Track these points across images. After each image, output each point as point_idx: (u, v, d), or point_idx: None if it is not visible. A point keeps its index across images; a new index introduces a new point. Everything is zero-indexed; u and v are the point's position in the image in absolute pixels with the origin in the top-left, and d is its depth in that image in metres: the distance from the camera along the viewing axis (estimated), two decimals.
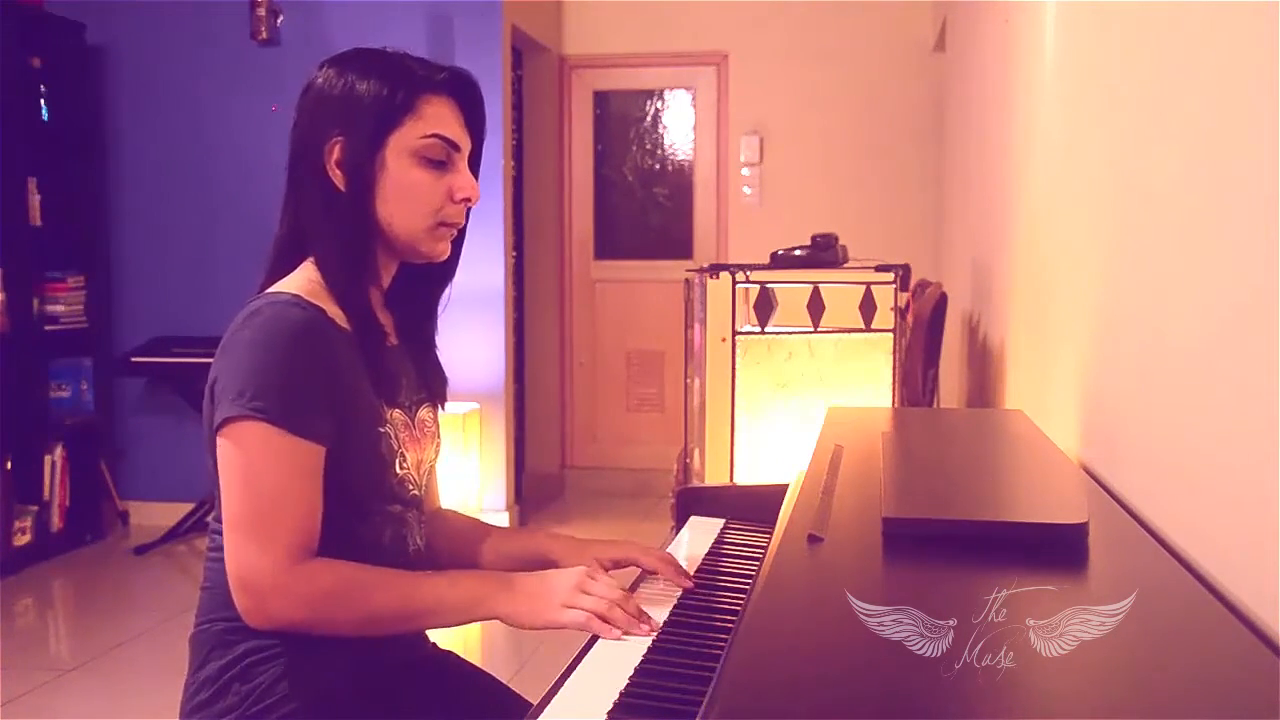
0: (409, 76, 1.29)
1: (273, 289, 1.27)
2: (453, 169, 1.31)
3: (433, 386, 1.42)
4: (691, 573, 1.36)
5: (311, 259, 1.30)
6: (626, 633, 1.13)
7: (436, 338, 1.46)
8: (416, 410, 1.37)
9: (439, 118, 1.30)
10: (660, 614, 1.20)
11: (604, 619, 1.15)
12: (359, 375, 1.26)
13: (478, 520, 1.54)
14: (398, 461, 1.30)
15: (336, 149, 1.28)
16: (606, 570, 1.36)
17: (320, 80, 1.30)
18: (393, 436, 1.30)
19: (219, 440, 1.20)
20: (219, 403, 1.20)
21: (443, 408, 1.45)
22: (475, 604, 1.22)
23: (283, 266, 1.32)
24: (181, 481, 4.53)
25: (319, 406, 1.21)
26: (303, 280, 1.28)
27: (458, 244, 1.37)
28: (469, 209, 1.35)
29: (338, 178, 1.28)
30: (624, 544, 1.38)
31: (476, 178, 1.36)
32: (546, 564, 1.41)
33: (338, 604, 1.20)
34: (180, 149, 4.68)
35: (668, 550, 1.48)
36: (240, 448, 1.19)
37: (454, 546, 1.47)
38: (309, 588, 1.18)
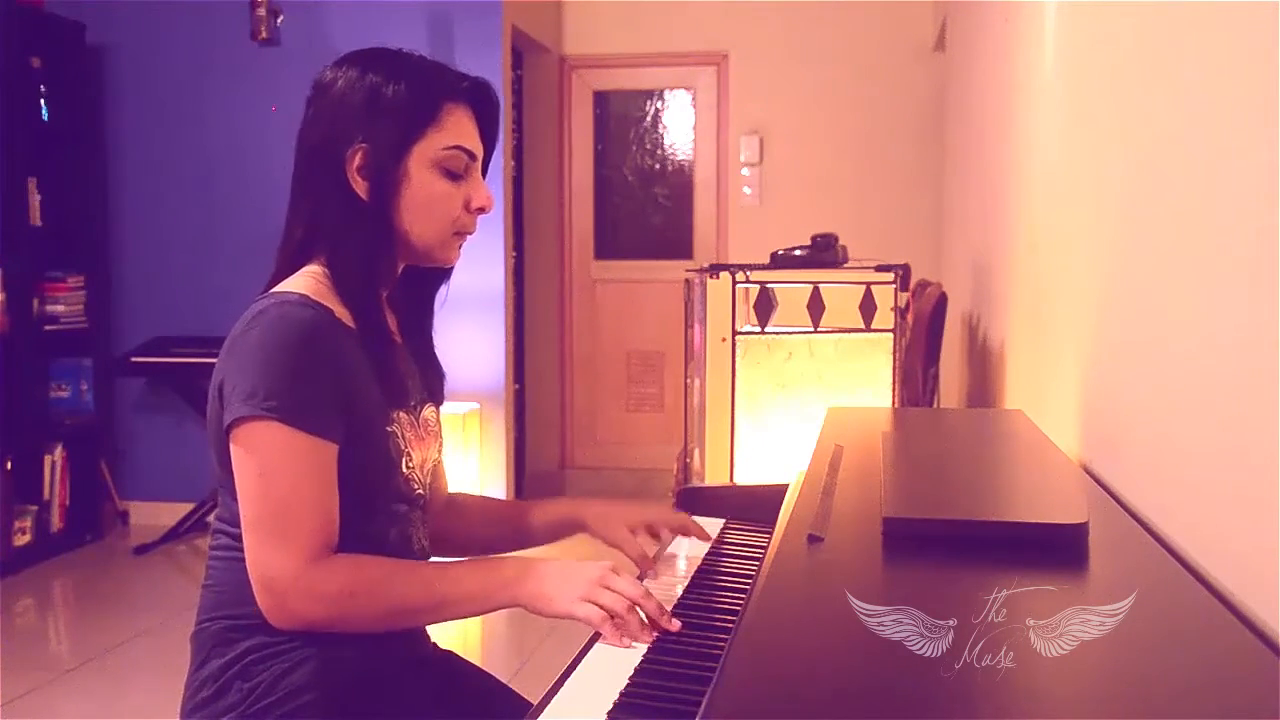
0: (433, 84, 1.29)
1: (278, 289, 1.27)
2: (469, 178, 1.32)
3: (433, 385, 1.42)
4: (691, 573, 1.36)
5: (318, 260, 1.30)
6: (636, 640, 1.12)
7: (434, 336, 1.46)
8: (420, 410, 1.37)
9: (460, 128, 1.30)
10: None
11: (620, 620, 1.14)
12: (366, 375, 1.26)
13: (493, 498, 1.55)
14: (404, 461, 1.30)
15: (359, 155, 1.27)
16: (635, 534, 1.44)
17: (340, 81, 1.29)
18: (399, 436, 1.30)
19: (231, 442, 1.20)
20: (229, 403, 1.19)
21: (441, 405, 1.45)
22: (496, 591, 1.21)
23: (292, 268, 1.31)
24: (181, 481, 4.53)
25: (330, 405, 1.20)
26: (309, 281, 1.27)
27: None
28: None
29: (360, 185, 1.27)
30: (650, 509, 1.47)
31: None
32: (576, 526, 1.48)
33: (359, 599, 1.19)
34: (180, 149, 4.68)
35: (668, 550, 1.48)
36: (254, 448, 1.18)
37: (473, 528, 1.50)
38: (330, 585, 1.18)
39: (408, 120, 1.27)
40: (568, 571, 1.20)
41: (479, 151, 1.33)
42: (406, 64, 1.30)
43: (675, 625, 1.13)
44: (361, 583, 1.20)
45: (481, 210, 1.33)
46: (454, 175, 1.30)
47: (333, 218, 1.29)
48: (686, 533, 1.48)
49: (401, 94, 1.27)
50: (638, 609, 1.14)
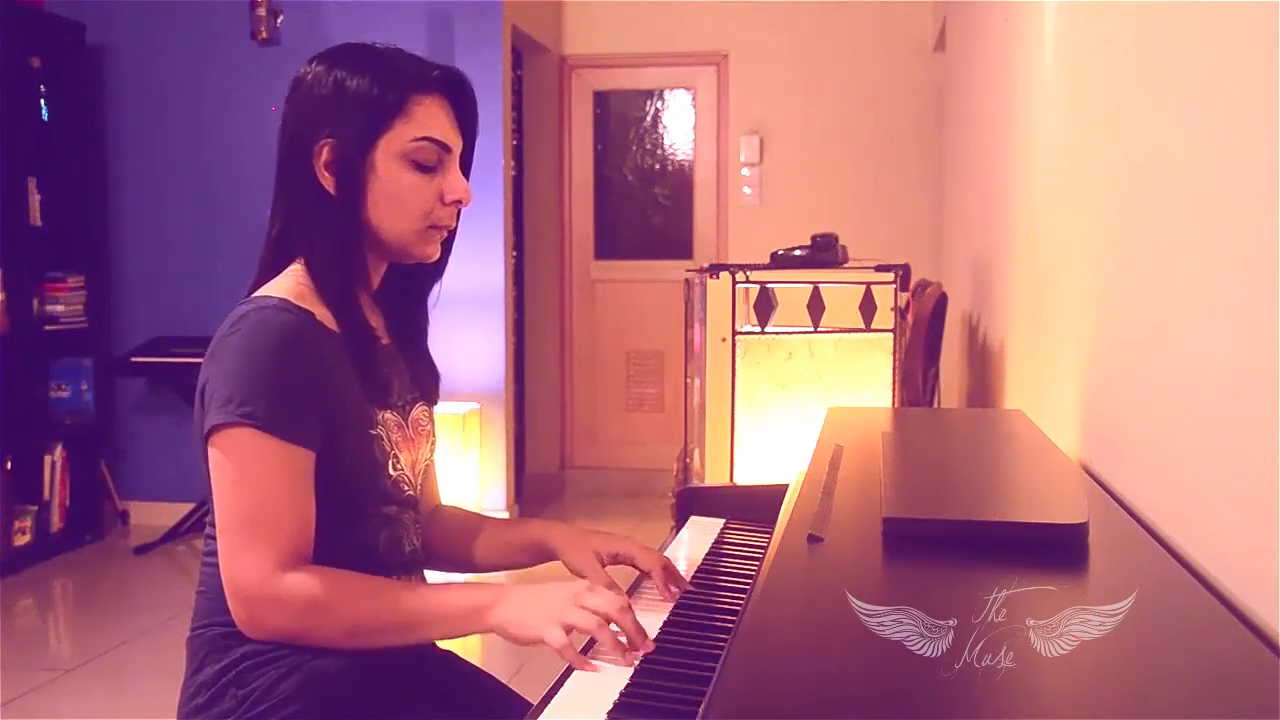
0: (399, 76, 1.26)
1: (260, 292, 1.26)
2: (443, 171, 1.29)
3: (425, 385, 1.41)
4: (691, 573, 1.35)
5: (300, 260, 1.29)
6: (610, 658, 1.07)
7: (432, 335, 1.45)
8: (410, 410, 1.36)
9: (430, 119, 1.28)
10: (660, 615, 1.20)
11: (594, 637, 1.11)
12: (349, 379, 1.25)
13: (477, 514, 1.53)
14: (391, 463, 1.30)
15: (325, 150, 1.26)
16: (604, 564, 1.35)
17: (309, 78, 1.28)
18: (385, 439, 1.29)
19: (209, 447, 1.20)
20: (208, 409, 1.19)
21: (434, 405, 1.44)
22: (467, 617, 1.19)
23: (274, 267, 1.30)
24: (181, 481, 4.53)
25: (308, 411, 1.20)
26: (291, 283, 1.27)
27: (448, 242, 1.36)
28: (460, 210, 1.34)
29: (327, 180, 1.26)
30: (624, 539, 1.37)
31: (468, 177, 1.35)
32: (546, 553, 1.41)
33: (326, 613, 1.18)
34: (180, 149, 4.68)
35: (668, 550, 1.48)
36: (230, 454, 1.18)
37: (453, 541, 1.46)
38: (297, 596, 1.17)
39: (372, 113, 1.25)
40: (539, 596, 1.17)
41: (453, 143, 1.30)
42: (375, 57, 1.28)
43: (649, 647, 1.08)
44: (328, 596, 1.18)
45: (457, 203, 1.30)
46: (425, 168, 1.27)
47: (304, 214, 1.28)
48: (659, 575, 1.30)
49: (365, 87, 1.25)
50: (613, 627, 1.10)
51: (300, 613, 1.17)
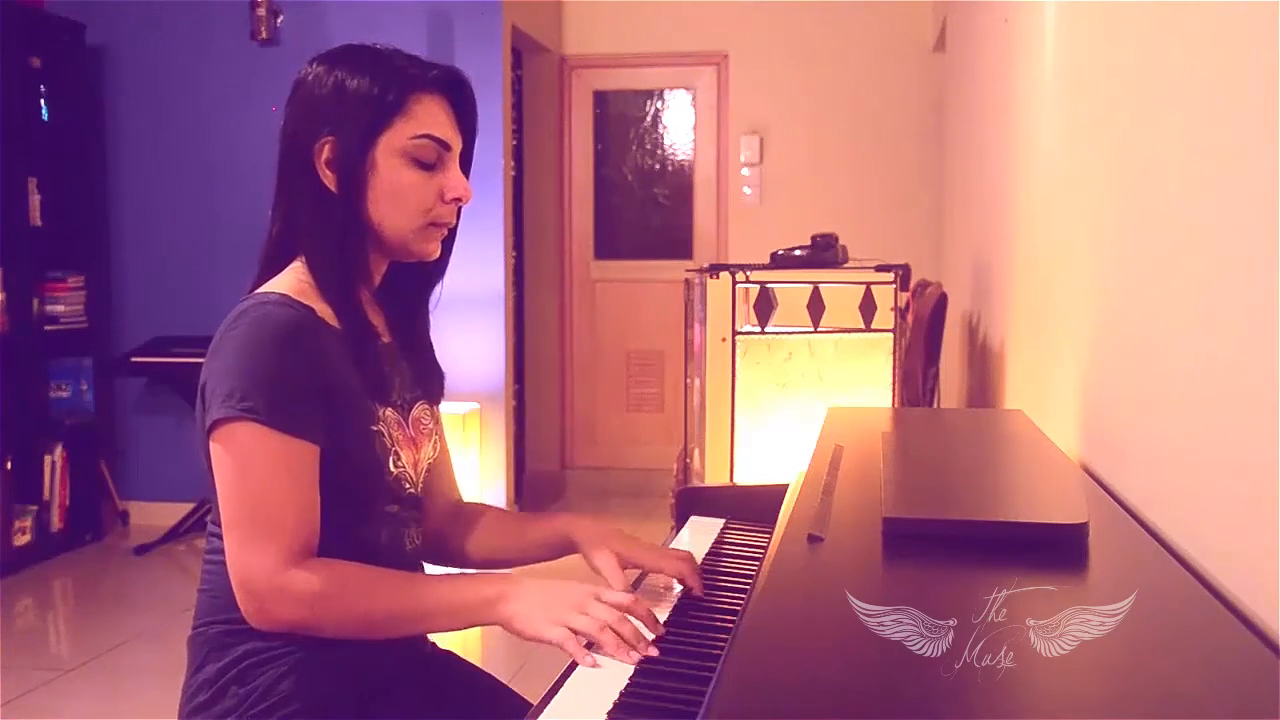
0: (399, 75, 1.28)
1: (262, 289, 1.27)
2: (443, 169, 1.30)
3: (428, 384, 1.41)
4: None
5: (301, 258, 1.30)
6: (613, 656, 1.08)
7: (432, 335, 1.45)
8: (411, 408, 1.36)
9: (429, 117, 1.29)
10: (660, 615, 1.19)
11: (591, 641, 1.11)
12: (349, 375, 1.26)
13: (501, 510, 1.53)
14: (391, 461, 1.30)
15: (326, 149, 1.27)
16: (624, 567, 1.33)
17: (310, 78, 1.29)
18: (386, 435, 1.29)
19: (212, 442, 1.20)
20: (210, 405, 1.20)
21: (438, 404, 1.44)
22: (475, 608, 1.20)
23: (275, 266, 1.31)
24: (181, 481, 4.53)
25: (309, 405, 1.20)
26: (292, 280, 1.28)
27: (448, 241, 1.37)
28: (460, 208, 1.34)
29: (328, 178, 1.27)
30: (646, 551, 1.34)
31: (468, 176, 1.35)
32: (568, 546, 1.40)
33: (335, 604, 1.19)
34: (180, 149, 4.68)
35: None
36: (232, 449, 1.18)
37: (476, 538, 1.46)
38: (306, 587, 1.17)
39: (373, 111, 1.26)
40: (548, 593, 1.17)
41: (453, 142, 1.32)
42: (375, 57, 1.29)
43: (653, 651, 1.09)
44: (337, 587, 1.19)
45: (457, 200, 1.31)
46: (425, 165, 1.28)
47: (305, 212, 1.29)
48: (682, 579, 1.31)
49: (366, 86, 1.26)
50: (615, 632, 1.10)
51: (309, 604, 1.18)
